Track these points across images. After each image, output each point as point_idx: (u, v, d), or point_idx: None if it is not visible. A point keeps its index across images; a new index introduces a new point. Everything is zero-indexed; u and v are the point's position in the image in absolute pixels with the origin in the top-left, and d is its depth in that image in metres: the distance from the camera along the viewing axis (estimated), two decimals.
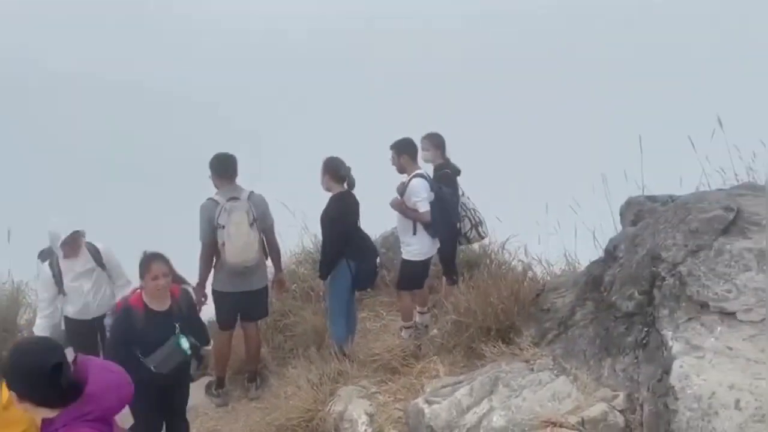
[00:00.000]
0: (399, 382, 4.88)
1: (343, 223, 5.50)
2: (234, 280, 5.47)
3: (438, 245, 5.95)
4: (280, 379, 5.53)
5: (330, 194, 5.54)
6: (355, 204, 5.62)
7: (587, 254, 5.76)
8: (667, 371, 3.38)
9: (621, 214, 5.32)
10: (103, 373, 2.32)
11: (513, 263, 6.32)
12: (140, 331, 4.17)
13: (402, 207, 5.77)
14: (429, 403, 4.11)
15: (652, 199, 5.13)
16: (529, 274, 5.71)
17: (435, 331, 5.57)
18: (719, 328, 3.39)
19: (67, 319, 5.36)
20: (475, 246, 6.77)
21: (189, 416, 5.38)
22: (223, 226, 5.32)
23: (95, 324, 5.30)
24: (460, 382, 4.30)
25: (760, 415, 2.94)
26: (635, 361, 3.75)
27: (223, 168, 5.57)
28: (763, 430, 2.91)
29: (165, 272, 4.18)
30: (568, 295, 4.85)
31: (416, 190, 5.65)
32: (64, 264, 5.23)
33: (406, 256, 5.91)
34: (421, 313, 6.15)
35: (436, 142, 6.23)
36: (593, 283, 4.47)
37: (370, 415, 4.54)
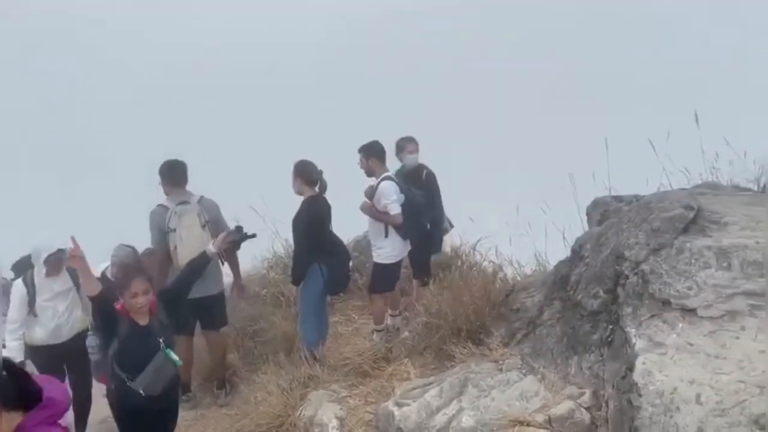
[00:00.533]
0: (370, 386, 4.87)
1: (315, 226, 5.47)
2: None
3: (409, 247, 5.96)
4: (249, 385, 5.48)
5: (302, 198, 5.51)
6: (327, 207, 5.59)
7: (557, 254, 5.81)
8: (630, 368, 3.42)
9: (587, 214, 5.39)
10: (51, 381, 2.36)
11: (484, 264, 6.36)
12: (124, 339, 3.98)
13: (372, 210, 5.76)
14: (399, 405, 4.11)
15: (618, 199, 5.20)
16: (500, 274, 5.75)
17: (406, 333, 5.57)
18: (681, 325, 3.44)
19: (32, 348, 5.04)
20: (447, 248, 6.80)
21: None
22: (174, 229, 5.31)
23: (66, 348, 5.07)
24: (429, 384, 4.31)
25: (721, 409, 2.99)
26: (600, 358, 3.79)
27: (173, 174, 5.57)
28: (723, 424, 2.96)
29: (145, 289, 3.99)
30: (537, 294, 4.90)
31: (386, 193, 5.65)
32: (41, 282, 4.99)
33: (377, 259, 5.91)
34: (393, 315, 6.15)
35: (417, 145, 6.29)
36: (560, 282, 4.52)
37: (341, 419, 4.52)
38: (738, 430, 2.90)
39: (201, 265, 4.68)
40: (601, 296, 3.95)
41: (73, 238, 3.96)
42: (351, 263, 6.04)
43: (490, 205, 7.95)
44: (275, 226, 7.44)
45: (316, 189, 5.50)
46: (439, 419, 3.87)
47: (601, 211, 5.11)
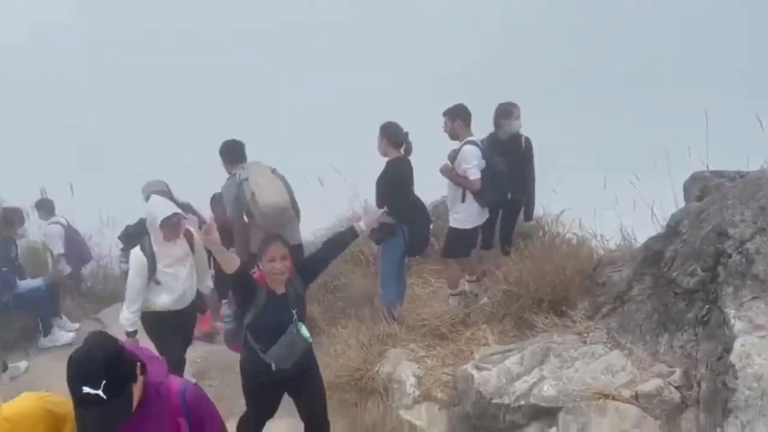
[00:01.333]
0: (447, 348, 4.91)
1: (399, 188, 5.48)
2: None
3: (487, 215, 5.90)
4: (330, 338, 5.63)
5: (386, 159, 5.53)
6: (410, 170, 5.58)
7: (644, 230, 5.62)
8: (727, 349, 3.31)
9: (685, 189, 5.15)
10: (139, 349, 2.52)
11: (567, 236, 6.22)
12: (260, 309, 3.77)
13: (452, 174, 5.72)
14: (479, 369, 4.12)
15: (718, 174, 4.95)
16: (585, 247, 5.60)
17: (485, 299, 5.54)
18: None
19: (155, 314, 4.84)
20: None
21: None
22: (246, 179, 5.40)
23: (185, 314, 4.99)
24: (510, 351, 4.30)
25: None
26: (694, 337, 3.66)
27: (232, 153, 5.72)
28: None
29: (283, 255, 3.75)
30: (624, 269, 4.76)
31: (468, 157, 5.58)
32: (160, 248, 4.70)
33: (453, 223, 5.87)
34: (470, 281, 6.14)
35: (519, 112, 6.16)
36: (653, 258, 4.37)
37: (418, 378, 4.60)
38: None
39: (345, 241, 4.41)
40: (698, 274, 3.80)
41: (210, 217, 4.03)
42: (431, 226, 6.05)
43: (576, 176, 7.75)
44: (355, 187, 7.52)
45: (402, 151, 5.50)
46: (520, 386, 3.86)
47: (701, 187, 4.88)
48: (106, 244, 6.15)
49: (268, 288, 3.81)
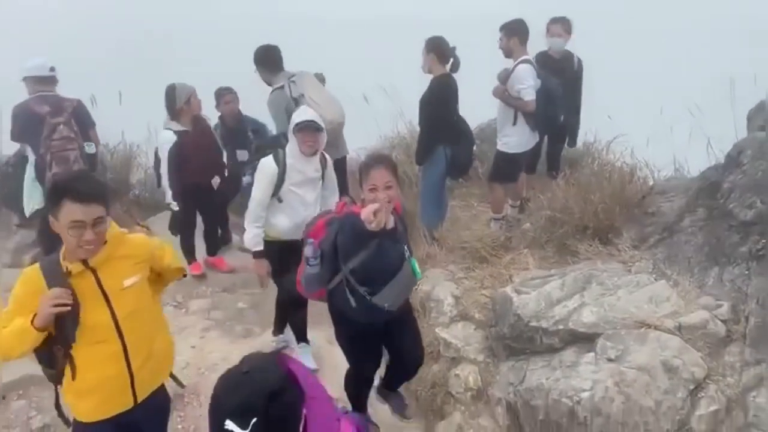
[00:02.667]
0: (486, 270, 4.88)
1: (443, 107, 5.30)
2: (329, 149, 4.74)
3: (537, 139, 5.71)
4: None
5: (431, 76, 5.33)
6: (455, 88, 5.36)
7: (699, 162, 5.38)
8: None
9: (749, 119, 4.87)
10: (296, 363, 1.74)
11: (617, 164, 6.01)
12: (372, 250, 3.12)
13: (504, 95, 5.51)
14: (518, 292, 4.10)
15: None
16: (636, 175, 5.41)
17: (527, 224, 5.46)
18: None
19: (265, 244, 4.23)
20: (579, 143, 6.48)
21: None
22: (302, 95, 5.18)
23: (294, 248, 3.93)
24: (551, 276, 4.25)
25: None
26: (746, 272, 3.55)
27: (270, 59, 5.44)
28: None
29: (388, 182, 3.08)
30: (676, 200, 4.60)
31: (522, 76, 5.34)
32: (294, 161, 4.09)
33: (502, 147, 5.71)
34: (513, 206, 6.05)
35: (568, 27, 5.83)
36: (708, 189, 4.19)
37: (456, 298, 4.62)
38: None
39: None
40: (757, 206, 3.63)
41: None
42: (474, 148, 5.90)
43: (632, 103, 7.41)
44: (401, 107, 7.36)
45: (448, 67, 5.28)
46: (559, 311, 3.83)
47: (766, 117, 4.60)
48: (152, 154, 6.17)
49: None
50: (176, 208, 5.37)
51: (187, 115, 5.28)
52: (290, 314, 4.68)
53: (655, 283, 3.80)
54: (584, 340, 3.64)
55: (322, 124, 4.07)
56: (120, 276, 2.58)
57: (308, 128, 4.00)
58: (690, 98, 6.46)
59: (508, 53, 5.51)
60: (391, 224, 3.16)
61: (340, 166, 5.67)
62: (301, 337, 4.70)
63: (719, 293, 3.62)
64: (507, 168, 5.77)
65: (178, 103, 5.24)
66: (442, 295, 4.63)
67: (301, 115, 4.07)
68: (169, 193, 5.32)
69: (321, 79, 5.52)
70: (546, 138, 6.09)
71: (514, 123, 5.53)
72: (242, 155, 6.10)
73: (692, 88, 6.77)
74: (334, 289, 3.32)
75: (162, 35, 20.06)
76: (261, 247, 4.23)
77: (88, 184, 2.42)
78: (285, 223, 4.19)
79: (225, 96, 6.30)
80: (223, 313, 5.44)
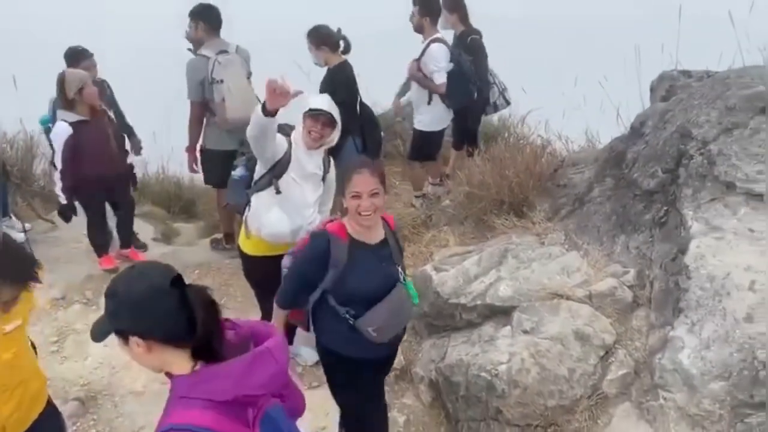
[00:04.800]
0: (408, 250, 4.84)
1: (350, 97, 4.95)
2: (232, 136, 5.06)
3: (452, 116, 5.72)
4: None
5: (327, 67, 4.96)
6: (353, 75, 5.03)
7: (610, 131, 5.54)
8: (682, 250, 3.32)
9: (651, 89, 5.03)
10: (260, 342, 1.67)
11: (532, 138, 6.12)
12: (348, 263, 2.78)
13: (418, 75, 5.48)
14: (437, 270, 4.11)
15: (686, 74, 4.81)
16: (549, 149, 5.51)
17: (447, 201, 5.49)
18: (743, 210, 3.27)
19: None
20: (494, 118, 6.54)
21: (199, 273, 5.48)
22: (221, 81, 4.94)
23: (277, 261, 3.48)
24: (469, 252, 4.29)
25: None
26: (650, 239, 3.67)
27: (211, 17, 5.12)
28: None
29: (373, 189, 2.72)
30: (586, 171, 4.72)
31: (436, 57, 5.33)
32: (298, 153, 3.60)
33: (418, 126, 5.73)
34: (433, 184, 6.06)
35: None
36: (615, 159, 4.31)
37: None
38: None
39: None
40: (659, 176, 3.75)
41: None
42: (381, 132, 5.73)
43: (546, 76, 7.54)
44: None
45: (340, 52, 4.99)
46: (476, 286, 3.86)
47: (667, 87, 4.76)
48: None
49: (351, 240, 2.81)
50: (64, 201, 5.04)
51: (81, 104, 4.93)
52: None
53: (566, 254, 3.89)
54: (501, 314, 3.70)
55: (338, 119, 3.61)
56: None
57: (319, 117, 3.53)
58: (602, 70, 6.64)
59: (418, 29, 5.47)
60: (379, 236, 2.89)
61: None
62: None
63: (626, 260, 3.74)
64: (425, 146, 5.77)
65: (68, 92, 4.88)
66: None
67: (318, 101, 3.60)
68: (58, 185, 5.00)
69: (246, 56, 5.27)
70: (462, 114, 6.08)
71: (429, 102, 5.53)
72: None
73: (605, 59, 6.95)
74: (317, 310, 2.95)
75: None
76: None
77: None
78: (280, 224, 3.62)
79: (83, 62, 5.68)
80: None
